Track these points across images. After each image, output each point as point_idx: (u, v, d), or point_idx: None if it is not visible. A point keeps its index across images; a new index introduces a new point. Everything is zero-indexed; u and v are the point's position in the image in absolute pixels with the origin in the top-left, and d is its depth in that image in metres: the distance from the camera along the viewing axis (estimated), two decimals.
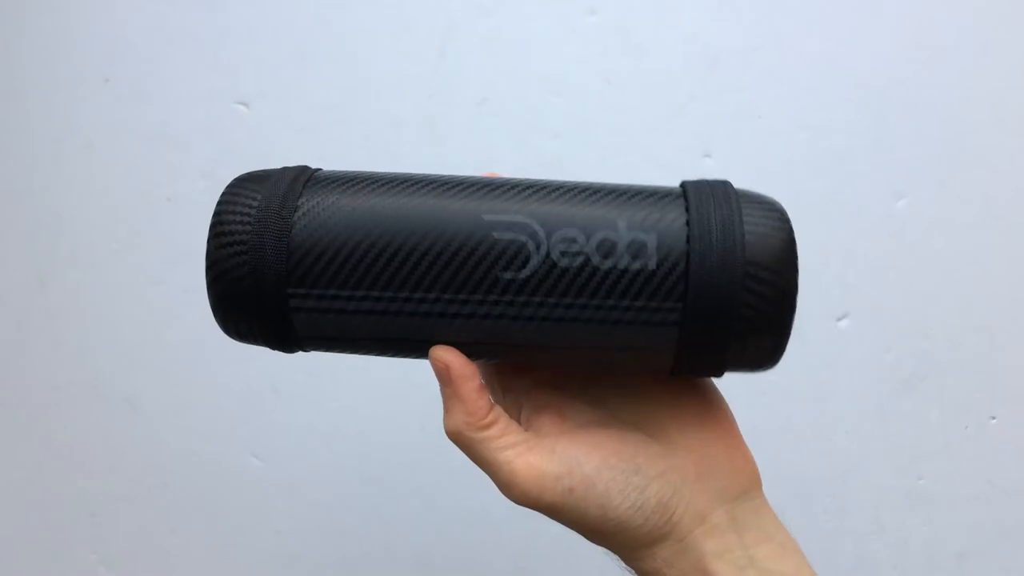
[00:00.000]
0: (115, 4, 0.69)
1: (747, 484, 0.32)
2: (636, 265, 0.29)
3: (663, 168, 0.66)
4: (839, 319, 0.67)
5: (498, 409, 0.32)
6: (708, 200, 0.30)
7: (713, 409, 0.34)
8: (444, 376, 0.31)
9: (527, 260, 0.29)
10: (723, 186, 0.31)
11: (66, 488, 0.73)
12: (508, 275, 0.29)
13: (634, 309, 0.29)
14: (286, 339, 0.32)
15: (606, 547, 0.32)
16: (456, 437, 0.31)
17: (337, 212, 0.31)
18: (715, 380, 0.35)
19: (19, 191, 0.71)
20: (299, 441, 0.70)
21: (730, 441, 0.33)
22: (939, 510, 0.69)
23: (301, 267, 0.30)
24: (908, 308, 0.67)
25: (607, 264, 0.29)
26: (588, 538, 0.32)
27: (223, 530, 0.72)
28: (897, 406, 0.68)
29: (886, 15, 0.65)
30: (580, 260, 0.29)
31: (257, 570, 0.72)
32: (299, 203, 0.31)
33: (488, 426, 0.31)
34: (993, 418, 0.68)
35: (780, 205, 0.32)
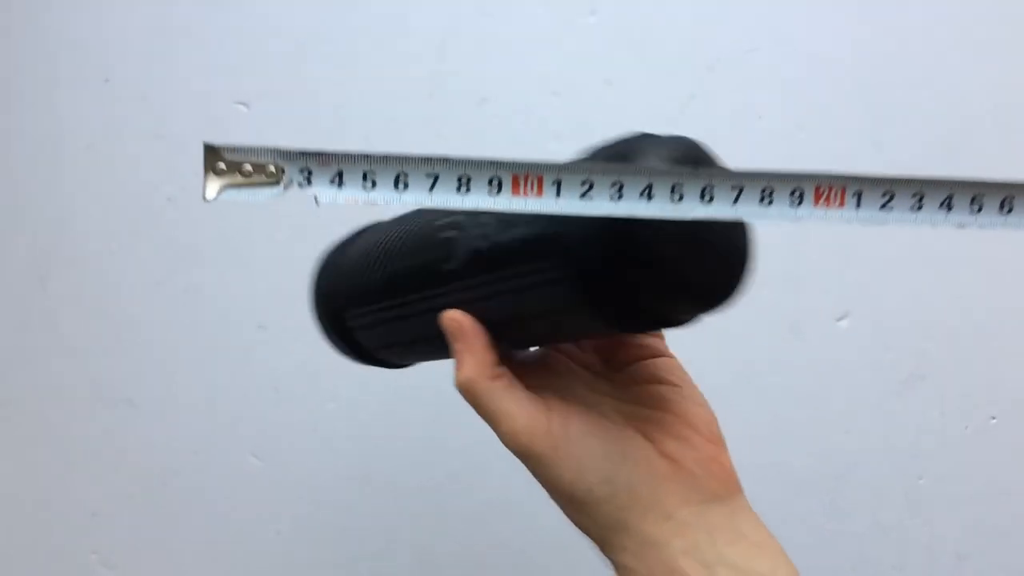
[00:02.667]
0: (115, 4, 0.69)
1: (719, 491, 0.33)
2: (530, 232, 0.30)
3: None
4: (839, 319, 0.67)
5: (504, 367, 0.34)
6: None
7: (697, 420, 0.35)
8: (458, 332, 0.33)
9: (456, 251, 0.33)
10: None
11: (66, 488, 0.73)
12: (447, 267, 0.33)
13: (534, 272, 0.30)
14: (361, 354, 0.42)
15: (578, 523, 0.33)
16: (467, 386, 0.33)
17: (353, 261, 0.41)
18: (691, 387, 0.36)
19: (19, 191, 0.71)
20: (299, 441, 0.70)
21: (707, 452, 0.34)
22: (939, 510, 0.69)
23: (348, 300, 0.41)
24: (908, 308, 0.67)
25: (506, 237, 0.31)
26: (561, 506, 0.33)
27: (223, 530, 0.72)
28: (897, 406, 0.68)
29: (886, 15, 0.65)
30: (489, 242, 0.32)
31: (257, 570, 0.72)
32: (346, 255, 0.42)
33: (497, 377, 0.33)
34: (993, 418, 0.68)
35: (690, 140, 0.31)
